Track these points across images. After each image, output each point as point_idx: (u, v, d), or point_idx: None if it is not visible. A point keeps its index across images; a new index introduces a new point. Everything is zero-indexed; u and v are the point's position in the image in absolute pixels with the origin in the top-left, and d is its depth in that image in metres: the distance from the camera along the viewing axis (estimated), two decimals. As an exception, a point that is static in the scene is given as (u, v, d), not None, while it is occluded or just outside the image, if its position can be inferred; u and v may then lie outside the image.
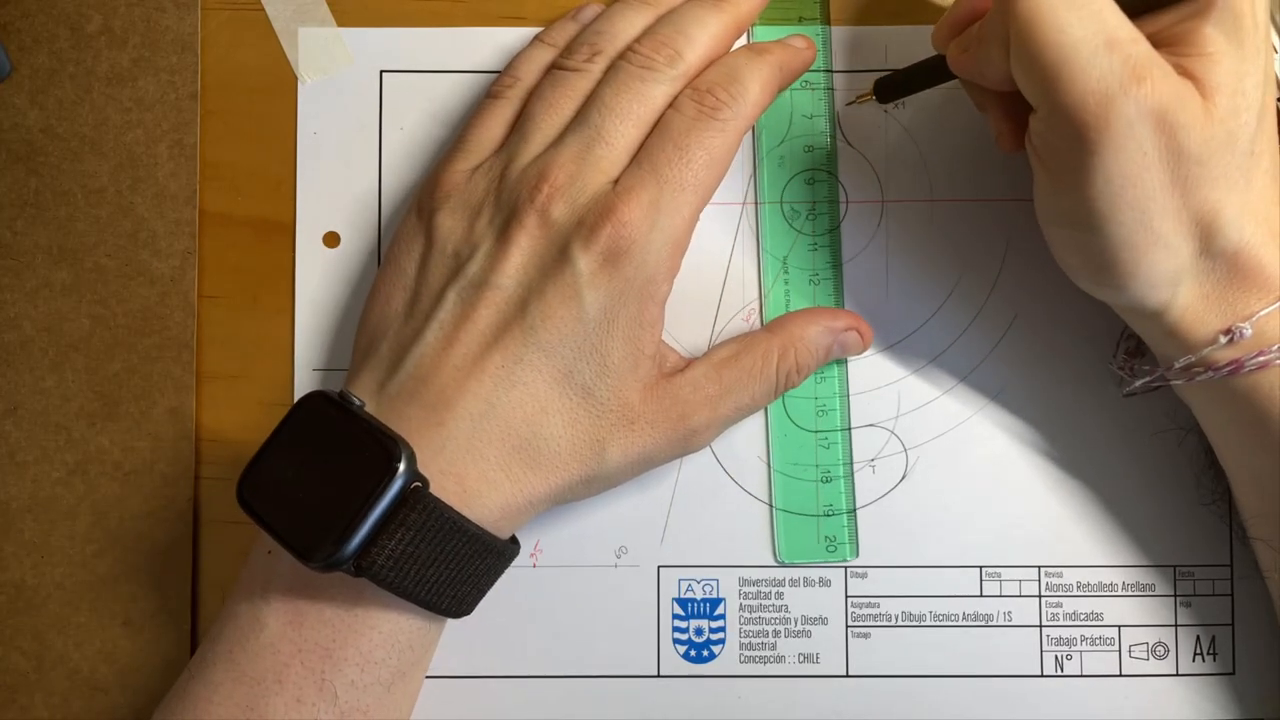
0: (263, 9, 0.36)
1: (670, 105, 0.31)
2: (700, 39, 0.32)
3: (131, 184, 0.35)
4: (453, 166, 0.32)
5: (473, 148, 0.33)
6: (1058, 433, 0.35)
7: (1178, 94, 0.27)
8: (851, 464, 0.35)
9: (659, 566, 0.35)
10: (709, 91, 0.31)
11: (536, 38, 0.35)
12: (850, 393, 0.35)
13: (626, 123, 0.31)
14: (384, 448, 0.27)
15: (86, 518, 0.35)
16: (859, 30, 0.35)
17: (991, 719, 0.34)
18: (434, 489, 0.28)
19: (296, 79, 0.36)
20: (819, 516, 0.35)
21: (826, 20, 0.35)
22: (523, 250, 0.30)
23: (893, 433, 0.35)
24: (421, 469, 0.28)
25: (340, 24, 0.36)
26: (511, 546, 0.31)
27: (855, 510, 0.35)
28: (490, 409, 0.30)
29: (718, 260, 0.35)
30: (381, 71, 0.36)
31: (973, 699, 0.34)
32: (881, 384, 0.35)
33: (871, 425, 0.35)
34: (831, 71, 0.35)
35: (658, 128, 0.31)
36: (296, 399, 0.30)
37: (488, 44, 0.36)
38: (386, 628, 0.30)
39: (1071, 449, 0.35)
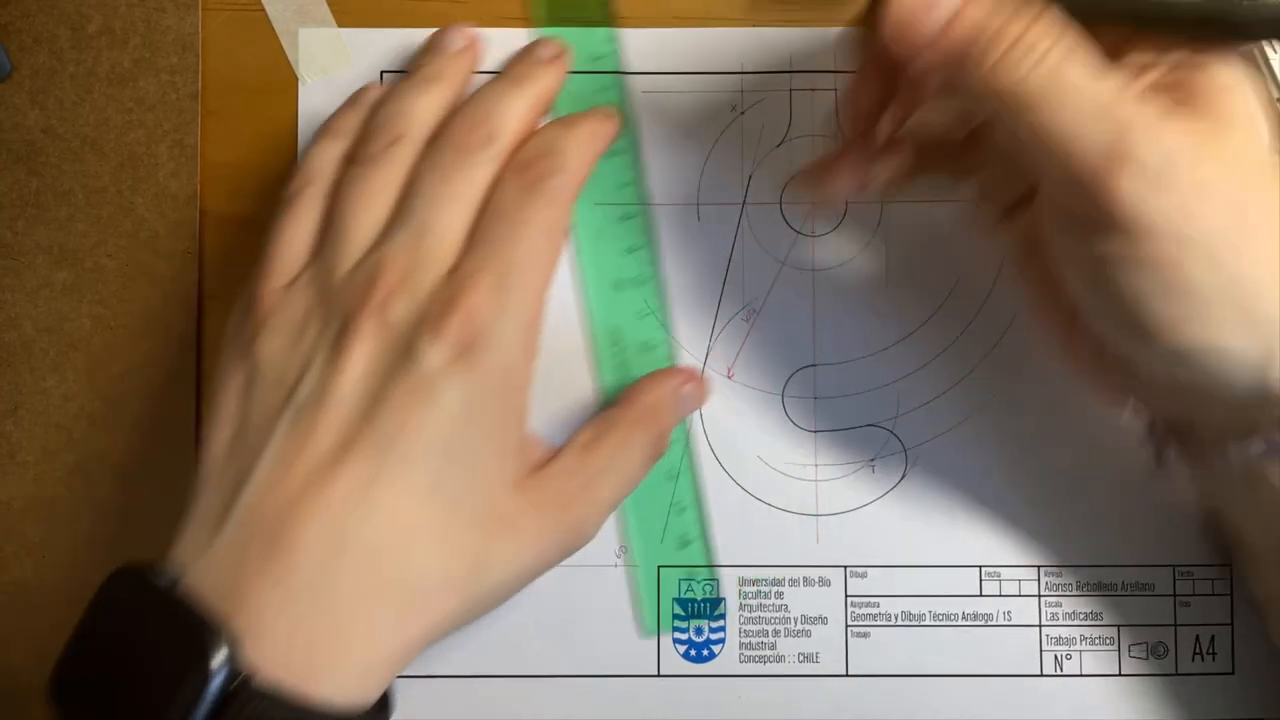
0: (263, 9, 0.36)
1: (494, 186, 0.30)
2: (510, 117, 0.30)
3: (132, 184, 0.35)
4: (264, 286, 0.29)
5: (281, 263, 0.30)
6: (1057, 432, 0.35)
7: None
8: (699, 495, 0.35)
9: (659, 566, 0.35)
10: (530, 165, 0.29)
11: (321, 130, 0.32)
12: (850, 393, 0.35)
13: (454, 210, 0.29)
14: (193, 639, 0.24)
15: (88, 518, 0.35)
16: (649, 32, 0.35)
17: (991, 718, 0.34)
18: (275, 663, 0.24)
19: (297, 79, 0.36)
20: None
21: (613, 23, 0.35)
22: (361, 358, 0.27)
23: (892, 433, 0.35)
24: (257, 643, 0.24)
25: (340, 24, 0.36)
26: (379, 716, 0.27)
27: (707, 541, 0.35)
28: (342, 544, 0.26)
29: (718, 260, 0.35)
30: (382, 72, 0.36)
31: (973, 698, 0.34)
32: (881, 384, 0.35)
33: (871, 425, 0.35)
34: (620, 74, 0.35)
35: (488, 209, 0.29)
36: (108, 576, 0.26)
37: (488, 45, 0.36)
38: None
39: (1071, 448, 0.35)
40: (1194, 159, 0.25)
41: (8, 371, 0.35)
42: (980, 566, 0.35)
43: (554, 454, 0.30)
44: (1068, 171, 0.25)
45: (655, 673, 0.35)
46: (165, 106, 0.35)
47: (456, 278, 0.28)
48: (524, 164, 0.30)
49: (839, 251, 0.35)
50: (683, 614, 0.35)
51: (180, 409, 0.35)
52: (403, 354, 0.27)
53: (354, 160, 0.31)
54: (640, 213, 0.35)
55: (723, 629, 0.35)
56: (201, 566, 0.26)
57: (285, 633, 0.25)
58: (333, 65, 0.36)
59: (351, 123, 0.32)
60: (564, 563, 0.34)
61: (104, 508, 0.35)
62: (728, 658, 0.35)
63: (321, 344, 0.28)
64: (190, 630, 0.24)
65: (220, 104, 0.36)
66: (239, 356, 0.29)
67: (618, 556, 0.35)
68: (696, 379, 0.34)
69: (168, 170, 0.35)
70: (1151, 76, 0.26)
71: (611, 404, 0.33)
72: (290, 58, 0.36)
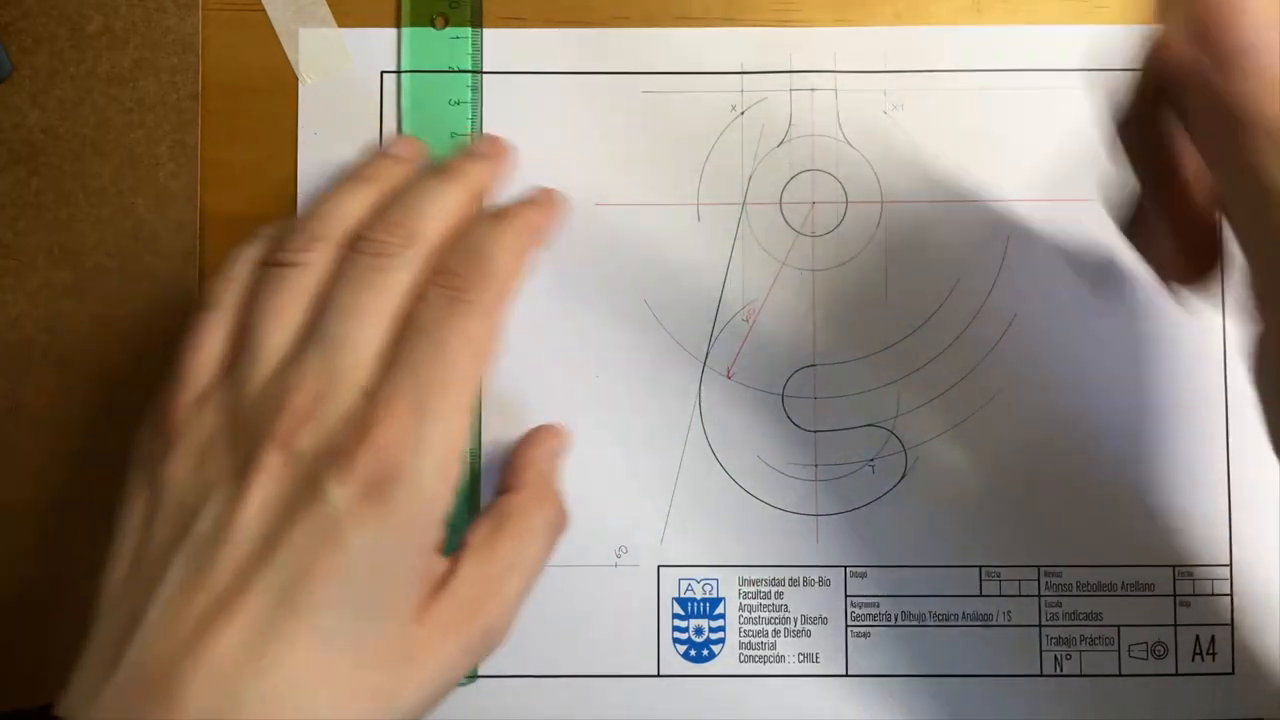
0: (263, 10, 0.36)
1: (416, 295, 0.28)
2: (433, 214, 0.29)
3: (133, 184, 0.35)
4: (173, 401, 0.27)
5: (192, 375, 0.28)
6: (1057, 432, 0.35)
7: None
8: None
9: (659, 566, 0.35)
10: (454, 274, 0.27)
11: (253, 235, 0.31)
12: (850, 393, 0.35)
13: (369, 323, 0.27)
14: None
15: (87, 518, 0.35)
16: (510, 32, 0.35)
17: (991, 719, 0.34)
18: None
19: (297, 79, 0.36)
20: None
21: (478, 23, 0.35)
22: (263, 493, 0.25)
23: (892, 433, 0.35)
24: None
25: (340, 24, 0.36)
26: None
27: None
28: (237, 698, 0.23)
29: (718, 260, 0.35)
30: (382, 72, 0.36)
31: (972, 699, 0.34)
32: (881, 384, 0.35)
33: (871, 425, 0.35)
34: (480, 72, 0.35)
35: (408, 325, 0.27)
36: None
37: (488, 45, 0.36)
38: None
39: (1071, 448, 0.35)
40: None
41: (8, 371, 0.35)
42: (980, 566, 0.35)
43: (451, 564, 0.28)
44: None
45: (655, 673, 0.35)
46: (165, 106, 0.35)
47: (369, 406, 0.26)
48: (448, 271, 0.28)
49: (839, 251, 0.35)
50: (682, 614, 0.35)
51: (180, 409, 0.35)
52: (307, 491, 0.25)
53: (268, 263, 0.29)
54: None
55: (722, 629, 0.35)
56: (91, 714, 0.24)
57: None
58: (333, 65, 0.36)
59: (282, 228, 0.30)
60: (564, 563, 0.34)
61: (104, 508, 0.35)
62: (728, 658, 0.35)
63: (224, 473, 0.26)
64: None
65: (220, 104, 0.36)
66: (143, 477, 0.27)
67: (618, 556, 0.35)
68: (559, 432, 0.33)
69: (168, 170, 0.35)
70: None
71: (497, 484, 0.32)
72: (290, 58, 0.36)
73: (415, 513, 0.26)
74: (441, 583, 0.27)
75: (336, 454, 0.25)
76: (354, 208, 0.29)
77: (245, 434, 0.26)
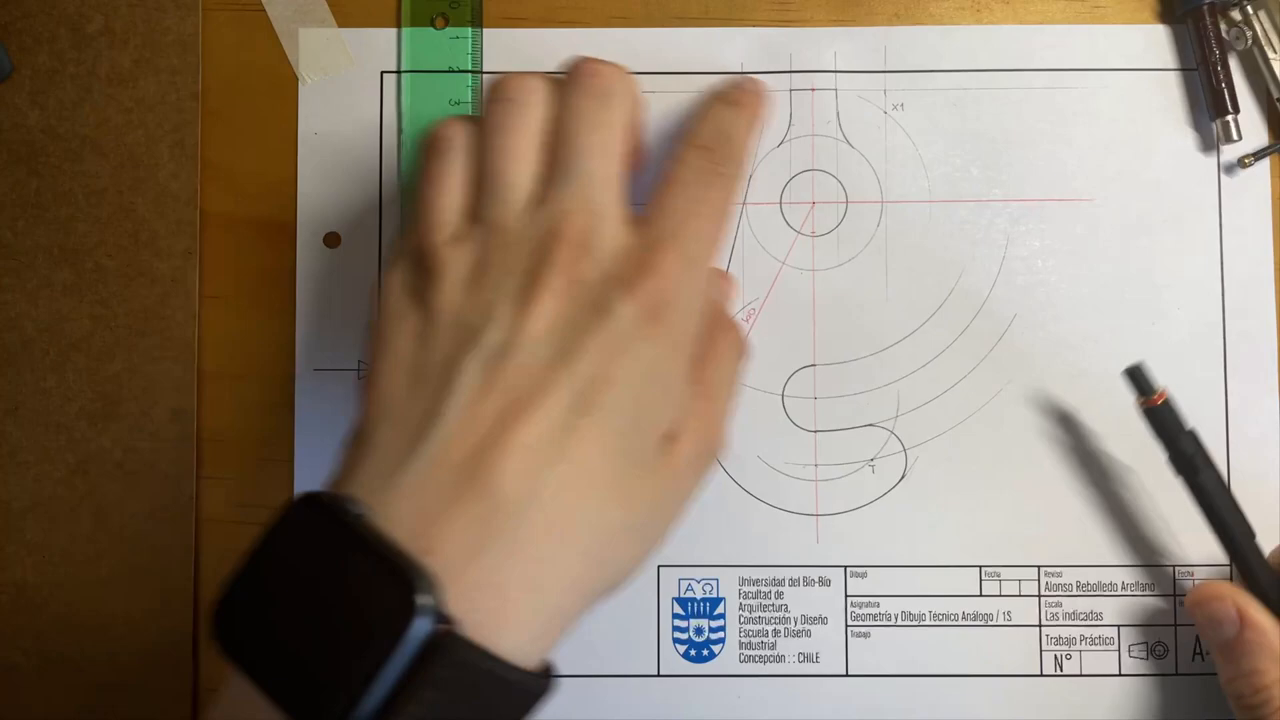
0: (264, 10, 0.36)
1: (674, 159, 0.30)
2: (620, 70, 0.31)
3: (132, 184, 0.35)
4: (430, 239, 0.29)
5: (442, 214, 0.29)
6: (1057, 432, 0.35)
7: None
8: None
9: (659, 566, 0.35)
10: (711, 149, 0.30)
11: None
12: (850, 393, 0.35)
13: (610, 159, 0.29)
14: (398, 578, 0.22)
15: (87, 518, 0.35)
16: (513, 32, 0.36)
17: (991, 719, 0.34)
18: (467, 612, 0.23)
19: (297, 79, 0.36)
20: None
21: (478, 23, 0.35)
22: (550, 313, 0.27)
23: (892, 433, 0.35)
24: (451, 583, 0.23)
25: (340, 24, 0.36)
26: (550, 685, 0.26)
27: None
28: (536, 493, 0.25)
29: (718, 260, 0.35)
30: (382, 72, 0.36)
31: (972, 699, 0.34)
32: (881, 384, 0.35)
33: (871, 425, 0.35)
34: (480, 72, 0.35)
35: (671, 182, 0.30)
36: (285, 503, 0.24)
37: (488, 45, 0.36)
38: None
39: (1071, 448, 0.35)
40: None
41: (8, 371, 0.35)
42: (980, 566, 0.35)
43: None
44: None
45: (655, 673, 0.35)
46: (165, 106, 0.35)
47: (647, 242, 0.28)
48: (705, 147, 0.30)
49: (839, 251, 0.35)
50: (682, 614, 0.35)
51: (181, 409, 0.35)
52: (594, 310, 0.27)
53: (492, 99, 0.30)
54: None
55: (722, 629, 0.35)
56: (388, 503, 0.25)
57: (475, 580, 0.24)
58: (333, 65, 0.36)
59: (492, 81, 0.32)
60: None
61: (104, 508, 0.35)
62: (728, 658, 0.35)
63: (503, 294, 0.27)
64: (392, 569, 0.23)
65: (220, 104, 0.36)
66: (412, 305, 0.28)
67: (618, 556, 0.35)
68: (727, 275, 0.35)
69: (168, 170, 0.35)
70: None
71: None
72: (290, 58, 0.36)
73: (681, 338, 0.28)
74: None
75: (619, 280, 0.27)
76: (545, 82, 0.30)
77: (517, 260, 0.28)
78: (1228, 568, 0.35)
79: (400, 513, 0.24)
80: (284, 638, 0.23)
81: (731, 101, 0.32)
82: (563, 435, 0.26)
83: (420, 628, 0.22)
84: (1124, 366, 0.33)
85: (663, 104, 0.35)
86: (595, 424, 0.26)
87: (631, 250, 0.28)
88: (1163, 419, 0.33)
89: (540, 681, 0.25)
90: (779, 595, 0.35)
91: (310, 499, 0.24)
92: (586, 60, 0.30)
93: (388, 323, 0.28)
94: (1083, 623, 0.35)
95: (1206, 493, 0.33)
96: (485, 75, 0.36)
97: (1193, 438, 0.33)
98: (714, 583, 0.35)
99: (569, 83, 0.30)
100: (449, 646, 0.23)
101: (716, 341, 0.31)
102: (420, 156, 0.30)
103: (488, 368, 0.26)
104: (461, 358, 0.27)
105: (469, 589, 0.24)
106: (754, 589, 0.35)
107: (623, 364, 0.27)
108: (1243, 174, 0.35)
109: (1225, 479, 0.33)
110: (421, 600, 0.22)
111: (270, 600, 0.23)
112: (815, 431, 0.35)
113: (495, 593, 0.24)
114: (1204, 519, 0.33)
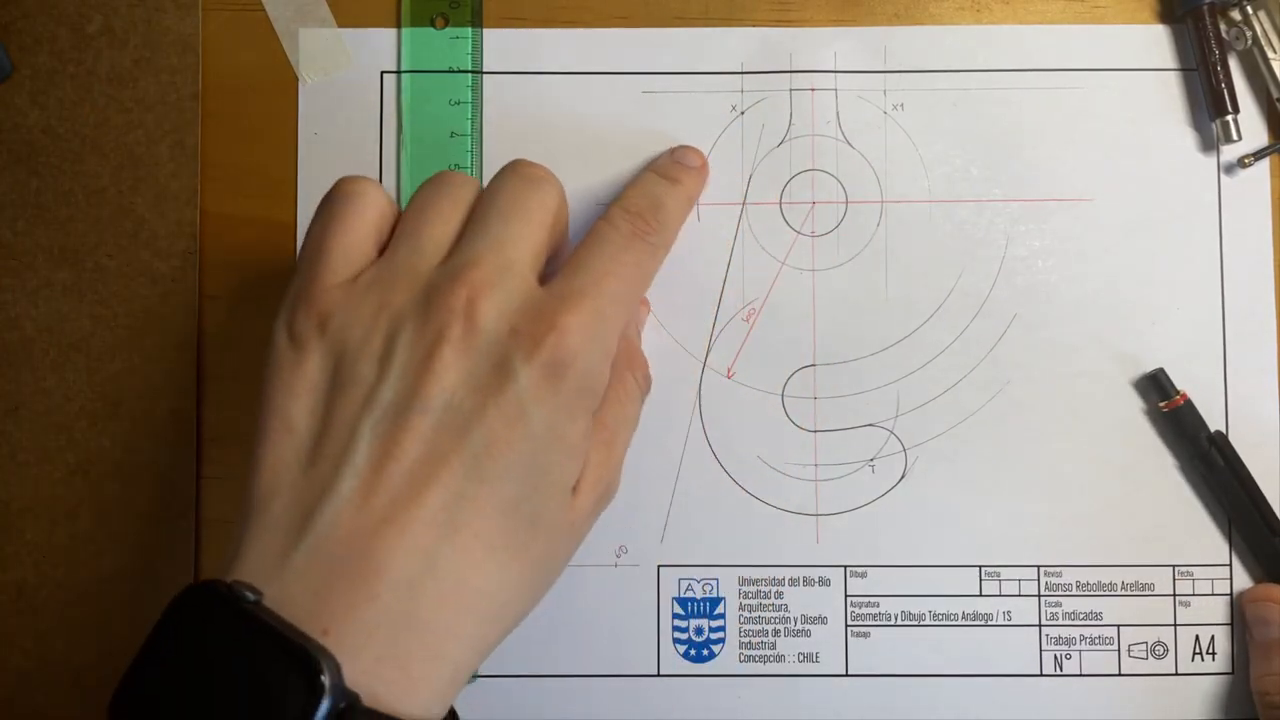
0: (263, 10, 0.36)
1: (602, 219, 0.30)
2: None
3: (132, 184, 0.35)
4: (321, 282, 0.28)
5: (341, 258, 0.28)
6: (1057, 432, 0.35)
7: None
8: None
9: (659, 566, 0.35)
10: (640, 215, 0.31)
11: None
12: (850, 393, 0.35)
13: (533, 226, 0.29)
14: (298, 661, 0.23)
15: (88, 518, 0.35)
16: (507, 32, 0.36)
17: (991, 719, 0.34)
18: (372, 684, 0.24)
19: (297, 79, 0.36)
20: None
21: (478, 23, 0.35)
22: (449, 366, 0.26)
23: (892, 433, 0.35)
24: (351, 662, 0.23)
25: (340, 24, 0.36)
26: None
27: None
28: (431, 565, 0.25)
29: (718, 260, 0.35)
30: (382, 72, 0.36)
31: (972, 698, 0.34)
32: (881, 384, 0.35)
33: (871, 425, 0.35)
34: (480, 72, 0.35)
35: (592, 239, 0.30)
36: (178, 593, 0.24)
37: (488, 45, 0.36)
38: None
39: (1071, 448, 0.35)
40: None
41: (8, 371, 0.35)
42: (980, 566, 0.35)
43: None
44: None
45: (655, 673, 0.35)
46: (165, 106, 0.35)
47: (555, 295, 0.28)
48: (635, 213, 0.31)
49: (839, 251, 0.35)
50: (683, 614, 0.35)
51: (181, 409, 0.35)
52: (495, 368, 0.27)
53: (424, 184, 0.30)
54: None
55: (723, 629, 0.35)
56: (284, 584, 0.25)
57: (377, 652, 0.24)
58: (333, 65, 0.36)
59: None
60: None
61: (104, 508, 0.35)
62: (728, 658, 0.35)
63: (402, 347, 0.27)
64: (291, 651, 0.23)
65: (220, 104, 0.36)
66: (297, 355, 0.27)
67: (618, 556, 0.35)
68: (643, 301, 0.35)
69: (168, 170, 0.35)
70: None
71: None
72: (290, 58, 0.36)
73: (583, 399, 0.28)
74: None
75: (520, 335, 0.27)
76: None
77: (420, 310, 0.27)
78: (1228, 567, 0.35)
79: (295, 594, 0.24)
80: None
81: (669, 177, 0.33)
82: (458, 505, 0.26)
83: (322, 707, 0.22)
84: (1124, 367, 0.33)
85: (663, 104, 0.35)
86: (493, 492, 0.26)
87: (541, 303, 0.27)
88: (1183, 420, 0.34)
89: None
90: (779, 595, 0.35)
91: (203, 588, 0.24)
92: (521, 159, 0.30)
93: (273, 379, 0.27)
94: (1083, 623, 0.35)
95: (1240, 488, 0.33)
96: (485, 75, 0.36)
97: (1221, 437, 0.33)
98: (714, 583, 0.35)
99: (501, 171, 0.30)
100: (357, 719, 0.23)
101: (623, 380, 0.31)
102: (320, 206, 0.29)
103: (384, 435, 0.26)
104: (358, 423, 0.26)
105: (371, 664, 0.24)
106: (754, 589, 0.35)
107: (521, 429, 0.26)
108: (1243, 174, 0.35)
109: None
110: (324, 680, 0.22)
111: (170, 693, 0.23)
112: (815, 431, 0.35)
113: (396, 664, 0.24)
114: (1231, 516, 0.33)
